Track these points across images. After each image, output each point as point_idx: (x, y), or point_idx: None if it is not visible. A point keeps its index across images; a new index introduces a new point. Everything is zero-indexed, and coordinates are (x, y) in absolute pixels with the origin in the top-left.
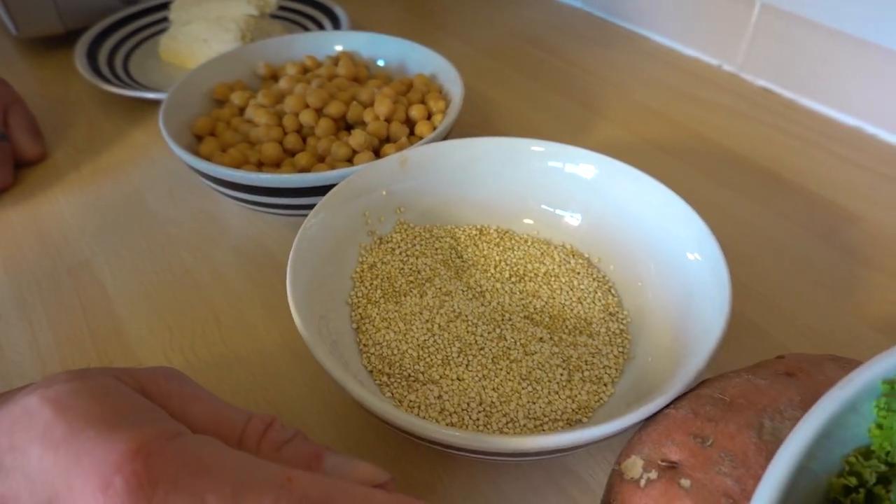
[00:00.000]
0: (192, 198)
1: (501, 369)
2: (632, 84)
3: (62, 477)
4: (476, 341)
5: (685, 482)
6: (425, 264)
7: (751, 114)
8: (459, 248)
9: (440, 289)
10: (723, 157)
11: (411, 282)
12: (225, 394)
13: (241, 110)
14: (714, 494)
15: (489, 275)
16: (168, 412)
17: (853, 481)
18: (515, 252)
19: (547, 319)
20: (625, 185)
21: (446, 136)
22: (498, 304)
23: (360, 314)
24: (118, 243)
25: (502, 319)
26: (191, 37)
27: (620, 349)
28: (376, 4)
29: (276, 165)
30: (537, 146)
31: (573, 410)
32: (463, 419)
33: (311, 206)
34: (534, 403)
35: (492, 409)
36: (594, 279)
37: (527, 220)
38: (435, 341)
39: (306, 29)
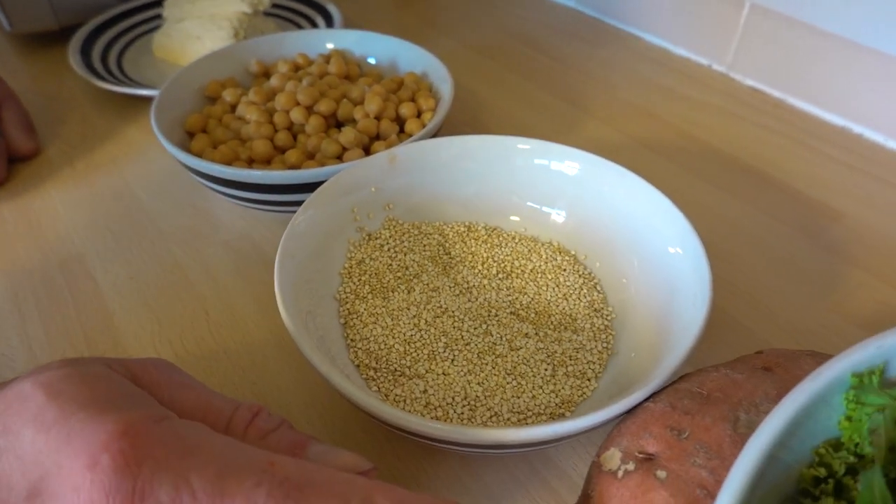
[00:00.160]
0: (183, 194)
1: (487, 364)
2: (622, 83)
3: (53, 457)
4: (462, 337)
5: (661, 473)
6: (413, 260)
7: (739, 113)
8: (447, 245)
9: (428, 285)
10: (711, 155)
11: (399, 278)
12: (213, 386)
13: (233, 107)
14: (689, 485)
15: (476, 271)
16: (157, 400)
17: (822, 472)
18: (503, 249)
19: (533, 315)
20: (609, 181)
21: (436, 134)
22: (484, 300)
23: (347, 309)
24: (110, 238)
25: (489, 315)
26: (184, 34)
27: (604, 345)
28: (370, 3)
29: (266, 162)
30: (523, 144)
31: (556, 405)
32: (448, 413)
33: (300, 203)
34: (518, 398)
35: (476, 404)
36: (580, 276)
37: (513, 217)
38: (421, 336)
39: (300, 27)
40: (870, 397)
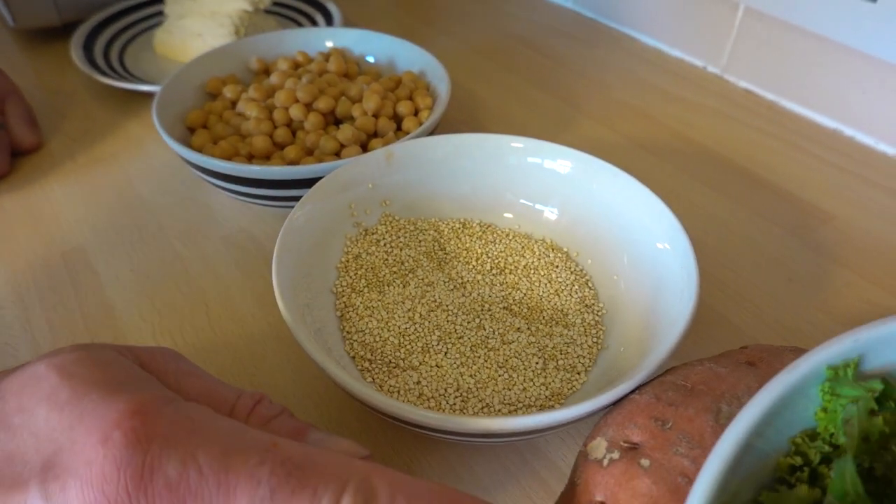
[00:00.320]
0: (183, 188)
1: (479, 357)
2: (617, 83)
3: (66, 433)
4: (455, 330)
5: (645, 462)
6: (409, 256)
7: (733, 115)
8: (442, 241)
9: (423, 279)
10: (704, 156)
11: (395, 272)
12: None
13: (233, 104)
14: (671, 473)
15: (471, 267)
16: (164, 385)
17: (798, 461)
18: (497, 245)
19: (525, 310)
20: (600, 180)
21: (432, 132)
22: (478, 295)
23: (344, 303)
24: (111, 231)
25: (482, 310)
26: (185, 31)
27: (594, 339)
28: (369, 2)
29: (265, 158)
30: (517, 142)
31: (546, 397)
32: (440, 404)
33: (298, 198)
34: (509, 390)
35: (468, 395)
36: (572, 272)
37: (507, 215)
38: (416, 329)
39: (300, 25)
40: (844, 389)
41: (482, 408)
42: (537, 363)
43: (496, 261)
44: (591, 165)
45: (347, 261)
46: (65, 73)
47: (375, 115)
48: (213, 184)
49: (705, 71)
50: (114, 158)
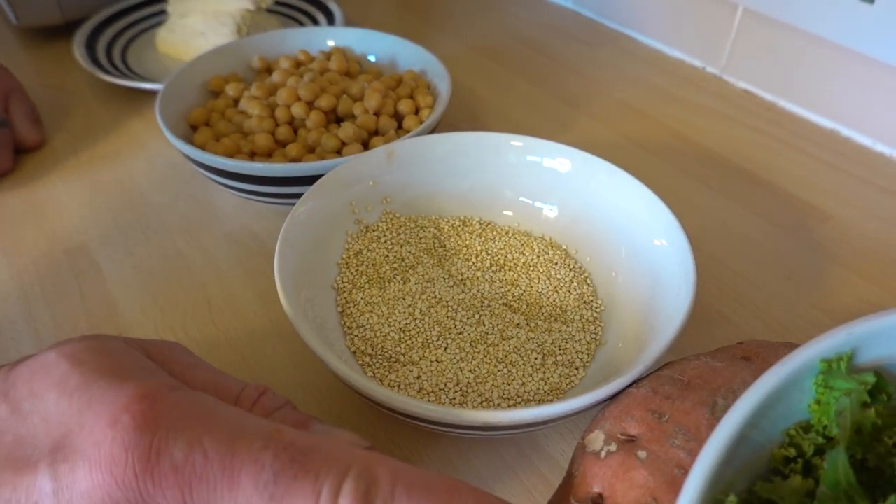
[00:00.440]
0: (185, 185)
1: (479, 352)
2: (617, 83)
3: (75, 418)
4: (455, 326)
5: (641, 454)
6: (409, 252)
7: (732, 115)
8: (443, 238)
9: (423, 276)
10: (703, 156)
11: (395, 269)
12: None
13: (236, 102)
14: (668, 465)
15: (470, 264)
16: (170, 375)
17: (792, 452)
18: (496, 242)
19: (524, 307)
20: (599, 178)
21: (433, 131)
22: (478, 291)
23: (345, 298)
24: (113, 227)
25: (481, 306)
26: (188, 29)
27: (593, 335)
28: (371, 2)
29: (267, 155)
30: (517, 141)
31: (545, 392)
32: (440, 398)
33: (300, 195)
34: (508, 385)
35: (468, 390)
36: (570, 269)
37: (507, 212)
38: (416, 325)
39: (301, 24)
40: (838, 382)
41: (482, 402)
42: (536, 358)
43: (496, 258)
44: (590, 164)
45: (348, 257)
46: (67, 71)
47: (376, 114)
48: (216, 181)
49: (704, 71)
50: (116, 156)
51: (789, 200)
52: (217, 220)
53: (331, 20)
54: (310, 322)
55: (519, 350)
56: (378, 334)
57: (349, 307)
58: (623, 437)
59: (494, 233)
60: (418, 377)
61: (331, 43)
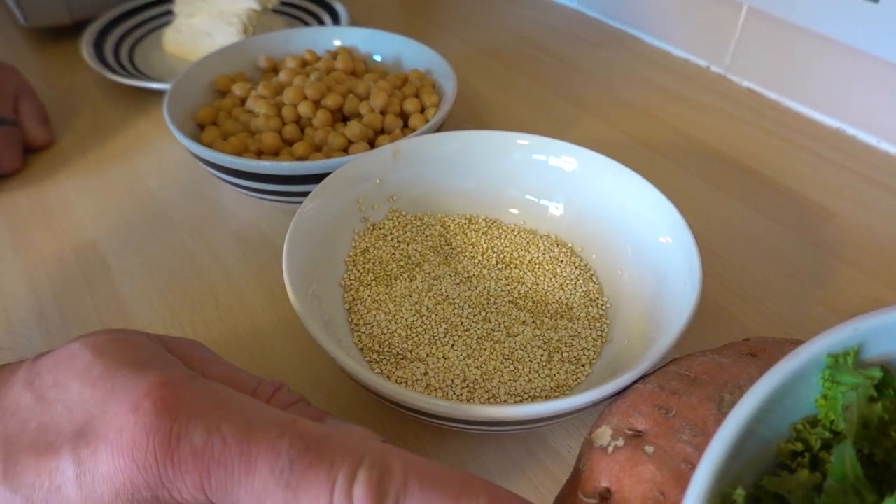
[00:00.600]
0: (192, 184)
1: (485, 349)
2: (622, 83)
3: (98, 405)
4: (462, 323)
5: (649, 449)
6: (416, 250)
7: (736, 114)
8: (449, 236)
9: (429, 273)
10: (707, 154)
11: (402, 266)
12: None
13: (243, 101)
14: (675, 460)
15: (476, 261)
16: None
17: (799, 447)
18: (502, 240)
19: (530, 304)
20: (605, 176)
21: (439, 130)
22: (484, 288)
23: (352, 296)
24: (122, 226)
25: (487, 303)
26: (194, 30)
27: (599, 332)
28: (375, 2)
29: (274, 154)
30: (522, 139)
31: (552, 388)
32: (447, 394)
33: (307, 194)
34: (515, 381)
35: (475, 386)
36: (576, 267)
37: (513, 210)
38: (423, 322)
39: (307, 24)
40: (844, 377)
41: (488, 398)
42: (542, 355)
43: (501, 255)
44: (596, 162)
45: (355, 255)
46: (75, 72)
47: (383, 112)
48: (223, 179)
49: (709, 71)
50: (124, 155)
51: (794, 199)
52: (224, 219)
53: (336, 20)
54: (318, 318)
55: (525, 347)
56: (385, 331)
57: (356, 304)
58: (630, 433)
59: (500, 231)
60: (425, 374)
61: (337, 43)
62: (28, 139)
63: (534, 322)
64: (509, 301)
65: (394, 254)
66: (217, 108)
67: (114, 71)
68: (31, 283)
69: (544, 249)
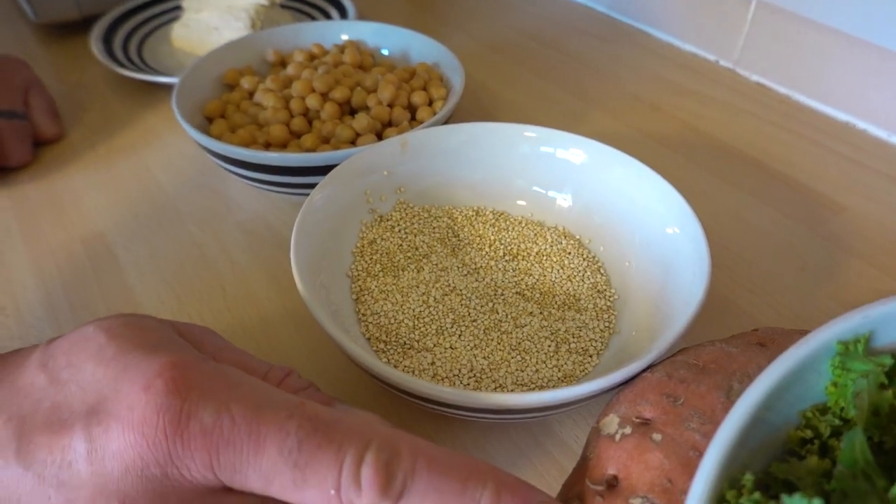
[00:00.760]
0: (200, 177)
1: (492, 340)
2: (630, 77)
3: (111, 385)
4: (469, 314)
5: (656, 436)
6: (423, 242)
7: (745, 108)
8: (456, 228)
9: (436, 265)
10: (716, 149)
11: (409, 258)
12: None
13: (251, 94)
14: (683, 447)
15: (484, 253)
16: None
17: (809, 434)
18: (510, 232)
19: (538, 295)
20: (612, 167)
21: (446, 122)
22: (491, 280)
23: (359, 286)
24: (130, 217)
25: (495, 294)
26: (203, 25)
27: (606, 323)
28: None
29: (282, 146)
30: (530, 132)
31: (559, 378)
32: (454, 384)
33: (314, 186)
34: (522, 371)
35: (482, 376)
36: (584, 259)
37: (520, 202)
38: (430, 312)
39: (314, 19)
40: (855, 364)
41: (495, 388)
42: (550, 346)
43: (509, 247)
44: (604, 153)
45: (363, 246)
46: (84, 67)
47: (390, 105)
48: (231, 171)
49: (718, 65)
50: (132, 148)
51: (803, 192)
52: (232, 211)
53: (343, 16)
54: (325, 307)
55: (532, 338)
56: (392, 321)
57: (363, 295)
58: (638, 421)
59: (508, 222)
60: (432, 363)
61: (344, 37)
62: (38, 132)
63: (541, 313)
64: (517, 292)
65: (401, 245)
66: (225, 101)
67: (122, 66)
68: (41, 275)
69: (552, 241)
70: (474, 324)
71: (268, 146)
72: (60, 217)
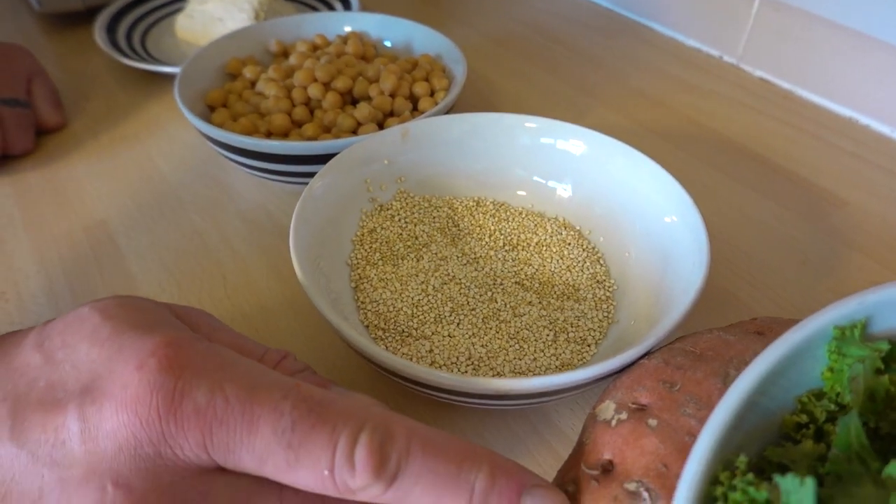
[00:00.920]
0: (202, 166)
1: (491, 328)
2: (633, 72)
3: (105, 364)
4: (468, 302)
5: (652, 422)
6: (423, 231)
7: (749, 103)
8: (456, 218)
9: (436, 254)
10: (719, 144)
11: (409, 247)
12: None
13: (253, 84)
14: (678, 433)
15: (483, 243)
16: None
17: (804, 418)
18: (510, 223)
19: (537, 285)
20: (612, 158)
21: (448, 113)
22: (490, 269)
23: (358, 274)
24: (132, 206)
25: (494, 284)
26: (206, 16)
27: (605, 313)
28: None
29: (284, 135)
30: (531, 122)
31: (557, 367)
32: (452, 371)
33: (314, 175)
34: (520, 359)
35: (480, 363)
36: (584, 249)
37: (521, 192)
38: (429, 301)
39: (317, 10)
40: (851, 349)
41: (493, 376)
42: (548, 335)
43: (509, 237)
44: (604, 144)
45: (362, 234)
46: (88, 57)
47: (392, 95)
48: (232, 159)
49: (721, 60)
50: (135, 137)
51: (805, 187)
52: (233, 200)
53: (347, 7)
54: (324, 294)
55: (531, 327)
56: (391, 309)
57: (363, 283)
58: (634, 406)
59: (508, 213)
60: (430, 350)
61: (347, 28)
62: (41, 121)
63: (540, 303)
64: (516, 282)
65: (401, 234)
66: (227, 90)
67: (126, 55)
68: (43, 262)
69: (552, 232)
70: (473, 312)
71: (269, 135)
72: (62, 205)
